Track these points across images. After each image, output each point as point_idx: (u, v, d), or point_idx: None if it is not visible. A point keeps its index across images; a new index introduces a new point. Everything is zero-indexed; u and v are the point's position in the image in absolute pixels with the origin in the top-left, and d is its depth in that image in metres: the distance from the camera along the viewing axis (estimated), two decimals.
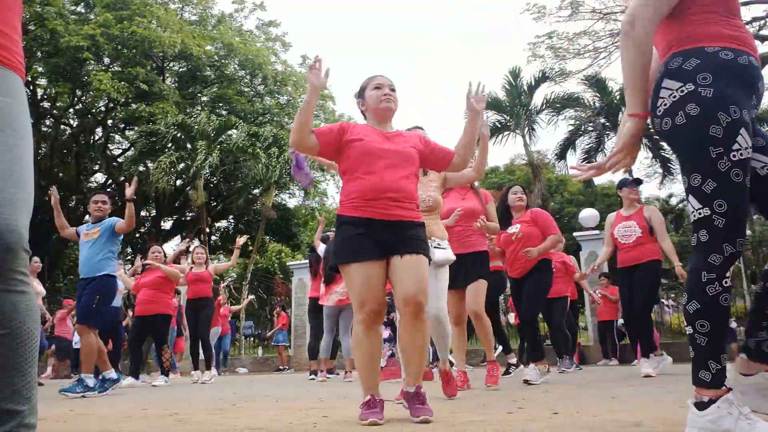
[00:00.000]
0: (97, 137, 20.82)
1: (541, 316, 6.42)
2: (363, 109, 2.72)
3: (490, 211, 4.29)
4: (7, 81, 1.21)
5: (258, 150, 16.39)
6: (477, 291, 4.08)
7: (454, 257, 3.46)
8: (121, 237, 5.29)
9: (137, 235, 21.62)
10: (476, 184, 4.36)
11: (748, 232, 19.97)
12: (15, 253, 1.12)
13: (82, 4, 18.29)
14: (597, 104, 16.95)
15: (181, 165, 17.85)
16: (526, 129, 17.67)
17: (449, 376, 3.54)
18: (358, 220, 2.46)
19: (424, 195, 3.21)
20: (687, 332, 1.64)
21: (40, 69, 16.75)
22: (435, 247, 3.20)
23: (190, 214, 20.86)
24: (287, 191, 21.47)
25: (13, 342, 1.12)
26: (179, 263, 7.67)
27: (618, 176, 7.54)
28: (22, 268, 1.14)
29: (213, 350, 7.28)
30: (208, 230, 18.75)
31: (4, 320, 1.11)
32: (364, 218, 2.46)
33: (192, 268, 7.33)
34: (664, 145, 16.75)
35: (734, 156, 1.57)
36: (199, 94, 20.01)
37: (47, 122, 19.21)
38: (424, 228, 2.62)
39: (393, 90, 2.65)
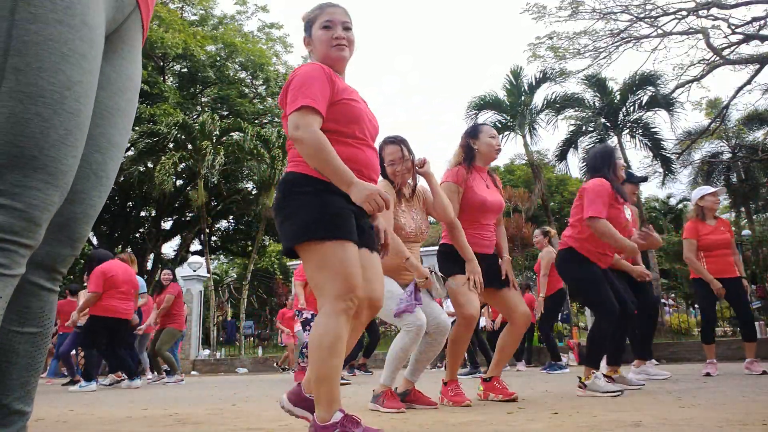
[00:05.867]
0: None
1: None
2: (310, 50, 2.12)
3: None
4: None
5: (262, 151, 16.39)
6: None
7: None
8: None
9: (137, 234, 21.61)
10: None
11: (748, 231, 19.93)
12: (71, 261, 1.18)
13: None
14: (597, 104, 16.92)
15: (182, 165, 17.82)
16: (527, 129, 17.64)
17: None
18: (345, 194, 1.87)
19: (424, 225, 2.87)
20: None
21: None
22: (438, 279, 2.77)
23: (190, 214, 20.83)
24: None
25: (41, 341, 1.13)
26: None
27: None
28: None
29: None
30: (207, 230, 18.73)
31: (42, 318, 1.12)
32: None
33: None
34: (665, 144, 16.71)
35: None
36: (199, 95, 19.96)
37: None
38: None
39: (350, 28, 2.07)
